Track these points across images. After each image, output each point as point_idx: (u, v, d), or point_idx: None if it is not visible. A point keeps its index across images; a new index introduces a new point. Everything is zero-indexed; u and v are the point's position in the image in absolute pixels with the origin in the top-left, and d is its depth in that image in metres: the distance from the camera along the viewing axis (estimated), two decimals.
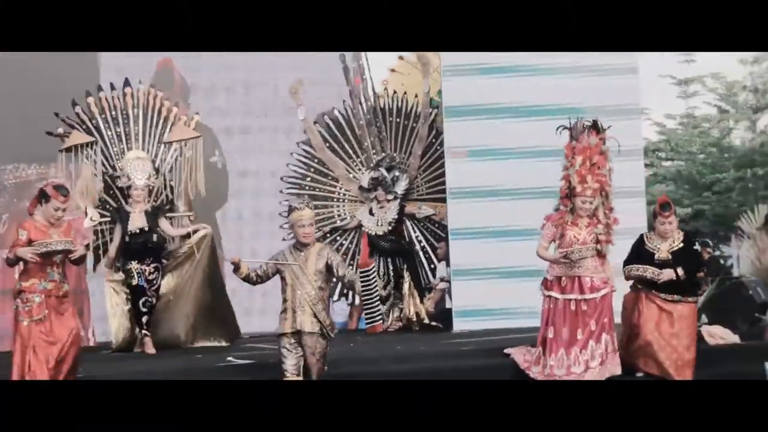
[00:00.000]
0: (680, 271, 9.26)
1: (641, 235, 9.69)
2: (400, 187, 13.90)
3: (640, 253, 9.49)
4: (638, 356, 9.35)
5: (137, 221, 11.66)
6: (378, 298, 7.95)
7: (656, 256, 9.38)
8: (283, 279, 8.37)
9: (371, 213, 13.84)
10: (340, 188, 14.34)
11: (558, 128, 9.42)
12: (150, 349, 11.51)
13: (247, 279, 8.45)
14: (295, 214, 8.43)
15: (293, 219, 8.47)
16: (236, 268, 8.33)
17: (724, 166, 25.26)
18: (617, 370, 9.13)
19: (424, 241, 14.08)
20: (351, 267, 8.46)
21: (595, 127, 9.27)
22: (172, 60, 15.36)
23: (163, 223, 11.92)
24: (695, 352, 9.35)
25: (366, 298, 7.93)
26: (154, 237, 11.75)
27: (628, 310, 9.57)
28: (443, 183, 13.26)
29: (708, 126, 26.35)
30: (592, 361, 9.02)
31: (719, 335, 10.22)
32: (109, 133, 12.33)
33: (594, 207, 9.14)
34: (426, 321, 13.28)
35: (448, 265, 13.12)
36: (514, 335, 11.08)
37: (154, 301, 11.74)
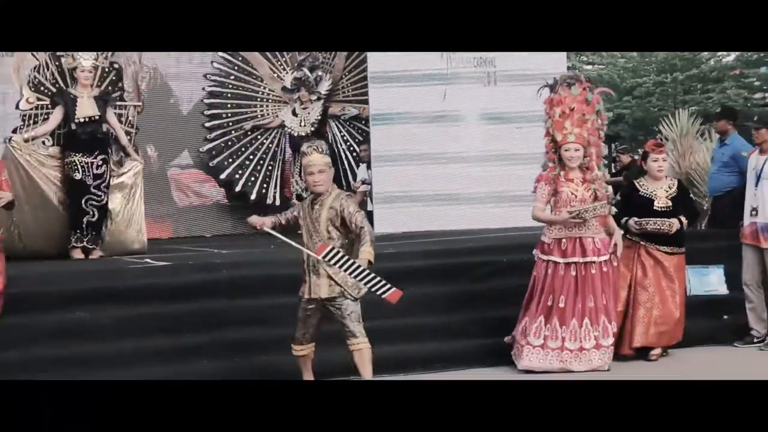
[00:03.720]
0: (683, 219, 8.79)
1: (631, 183, 9.19)
2: (324, 88, 13.84)
3: (633, 202, 8.88)
4: (647, 325, 8.73)
5: (87, 108, 10.45)
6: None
7: (655, 204, 8.81)
8: (301, 236, 7.31)
9: (294, 114, 13.78)
10: (265, 87, 14.24)
11: (539, 89, 8.77)
12: (78, 255, 10.51)
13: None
14: (305, 159, 7.29)
15: (304, 164, 7.37)
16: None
17: (645, 70, 25.46)
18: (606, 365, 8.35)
19: (350, 140, 14.08)
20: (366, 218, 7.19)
21: (579, 80, 8.53)
22: None
23: (111, 117, 10.73)
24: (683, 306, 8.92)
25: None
26: (104, 127, 10.55)
27: (624, 268, 8.82)
28: (367, 83, 13.11)
29: None
30: (605, 339, 8.28)
31: None
32: None
33: (583, 156, 8.34)
34: None
35: (369, 168, 13.11)
36: (436, 237, 11.27)
37: (104, 199, 10.55)
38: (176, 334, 8.39)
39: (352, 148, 14.06)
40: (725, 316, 9.57)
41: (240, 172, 14.19)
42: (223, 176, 14.23)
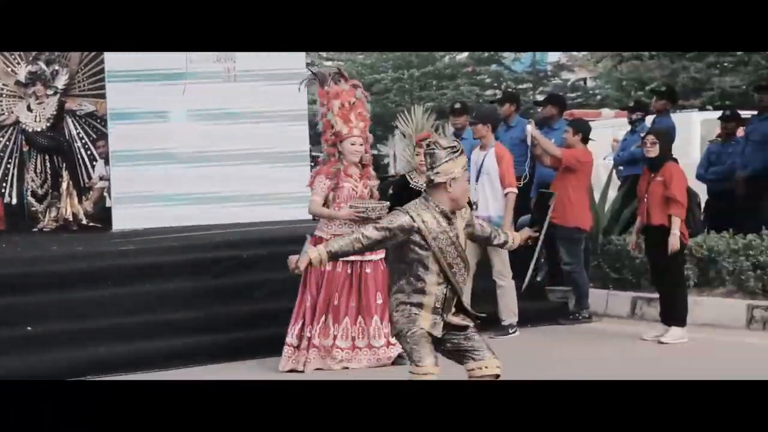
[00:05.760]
0: None
1: (402, 177, 9.21)
2: (60, 82, 13.59)
3: (405, 195, 8.37)
4: None
5: None
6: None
7: None
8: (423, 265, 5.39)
9: (29, 109, 13.48)
10: None
11: (302, 81, 8.88)
12: None
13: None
14: (449, 165, 5.36)
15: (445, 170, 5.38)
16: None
17: (382, 66, 26.06)
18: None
19: (85, 137, 13.84)
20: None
21: (343, 76, 8.59)
22: None
23: None
24: None
25: None
26: None
27: None
28: (105, 79, 12.94)
29: None
30: (378, 339, 8.25)
31: None
32: None
33: (363, 150, 8.38)
34: (84, 221, 13.12)
35: (107, 163, 12.93)
36: (174, 234, 11.26)
37: None
38: None
39: (87, 145, 13.81)
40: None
41: None
42: None
